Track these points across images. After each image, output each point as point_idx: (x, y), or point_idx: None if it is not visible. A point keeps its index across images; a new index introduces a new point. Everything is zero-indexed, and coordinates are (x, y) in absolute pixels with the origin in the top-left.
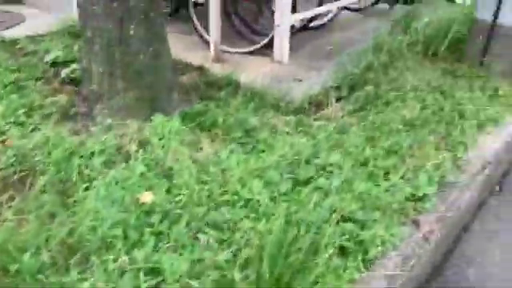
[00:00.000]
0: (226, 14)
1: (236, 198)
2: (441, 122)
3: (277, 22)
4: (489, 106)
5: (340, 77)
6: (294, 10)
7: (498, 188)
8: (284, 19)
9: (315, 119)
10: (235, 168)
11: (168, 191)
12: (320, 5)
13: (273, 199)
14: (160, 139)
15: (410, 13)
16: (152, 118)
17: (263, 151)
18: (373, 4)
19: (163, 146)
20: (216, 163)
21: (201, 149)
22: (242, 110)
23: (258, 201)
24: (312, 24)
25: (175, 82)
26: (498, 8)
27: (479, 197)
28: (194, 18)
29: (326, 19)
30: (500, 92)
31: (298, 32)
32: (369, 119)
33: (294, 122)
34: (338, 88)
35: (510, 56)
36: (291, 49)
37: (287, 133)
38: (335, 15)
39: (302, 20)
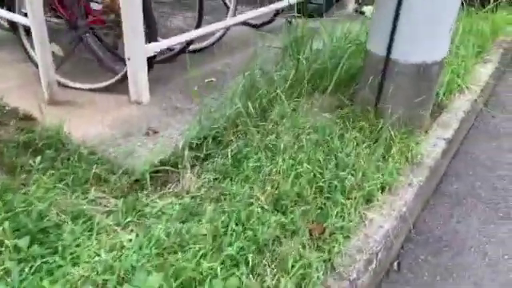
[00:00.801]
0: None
1: None
2: (317, 198)
3: (127, 53)
4: (381, 166)
5: (203, 128)
6: (152, 35)
7: (396, 267)
8: (136, 50)
9: (160, 197)
10: None
11: None
12: (199, 25)
13: None
14: None
15: (303, 35)
16: None
17: (60, 266)
18: (270, 21)
19: None
20: None
21: None
22: (51, 191)
23: None
24: (194, 46)
25: None
26: (392, 40)
27: None
28: (25, 42)
29: (212, 39)
30: (393, 149)
31: (174, 57)
32: (226, 196)
33: (123, 207)
34: (198, 146)
35: (406, 100)
36: (159, 82)
37: (107, 229)
38: (225, 33)
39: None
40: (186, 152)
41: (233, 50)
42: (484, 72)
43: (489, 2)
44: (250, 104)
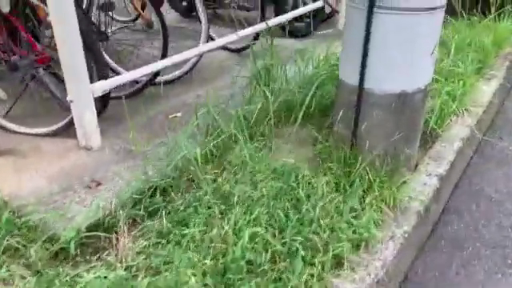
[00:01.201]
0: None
1: None
2: (274, 266)
3: (70, 96)
4: (356, 217)
5: (150, 179)
6: (101, 72)
7: None
8: (80, 91)
9: (88, 269)
10: None
11: None
12: (164, 55)
13: None
14: None
15: (272, 63)
16: None
17: None
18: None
19: None
20: None
21: None
22: None
23: None
24: (167, 77)
25: None
26: (364, 67)
27: None
28: None
29: (186, 67)
30: (372, 195)
31: (140, 91)
32: (167, 265)
33: (36, 286)
34: (141, 201)
35: (386, 135)
36: (117, 121)
37: None
38: (198, 60)
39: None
40: (122, 212)
41: (207, 80)
42: (487, 90)
43: (490, 11)
44: (204, 147)
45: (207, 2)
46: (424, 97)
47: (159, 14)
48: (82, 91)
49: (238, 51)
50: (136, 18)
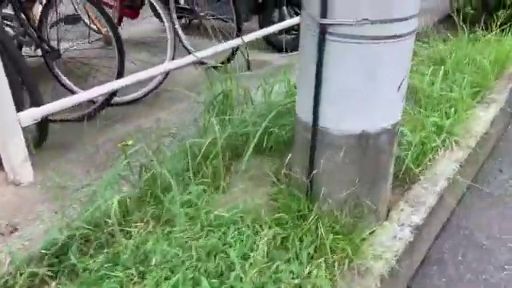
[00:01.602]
0: None
1: None
2: None
3: None
4: (301, 284)
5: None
6: (34, 100)
7: None
8: (5, 121)
9: None
10: None
11: None
12: (120, 74)
13: None
14: None
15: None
16: None
17: None
18: (229, 59)
19: None
20: None
21: None
22: None
23: None
24: (127, 97)
25: None
26: (317, 102)
27: None
28: None
29: (151, 85)
30: (324, 256)
31: (95, 113)
32: None
33: None
34: (45, 259)
35: (347, 181)
36: (61, 149)
37: None
38: (164, 79)
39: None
40: (23, 271)
41: (172, 100)
42: (484, 117)
43: (494, 25)
44: (131, 193)
45: (181, 13)
46: (392, 137)
47: (112, 27)
48: (5, 121)
49: (216, 67)
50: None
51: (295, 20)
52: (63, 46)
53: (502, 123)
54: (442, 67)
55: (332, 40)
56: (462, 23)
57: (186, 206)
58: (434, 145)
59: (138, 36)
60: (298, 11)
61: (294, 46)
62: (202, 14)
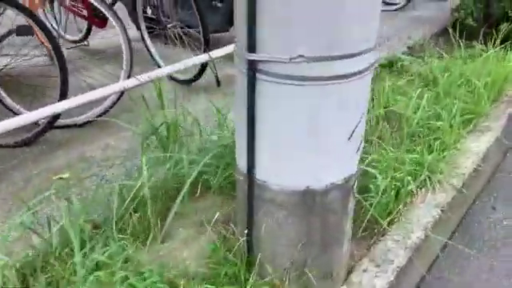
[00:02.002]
0: None
1: None
2: None
3: None
4: None
5: None
6: None
7: None
8: None
9: None
10: None
11: None
12: (64, 92)
13: None
14: None
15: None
16: None
17: None
18: (200, 74)
19: None
20: None
21: None
22: None
23: None
24: (72, 120)
25: None
26: (251, 151)
27: None
28: None
29: (106, 104)
30: None
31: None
32: None
33: None
34: None
35: (289, 245)
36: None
37: None
38: (119, 98)
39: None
40: None
41: (127, 122)
42: (476, 149)
43: (493, 39)
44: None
45: (149, 23)
46: (345, 194)
47: (52, 41)
48: None
49: (186, 82)
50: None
51: None
52: (1, 62)
53: (498, 154)
54: (433, 89)
55: (264, 80)
56: (461, 36)
57: (94, 270)
58: (410, 188)
59: (105, 46)
60: None
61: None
62: (169, 25)
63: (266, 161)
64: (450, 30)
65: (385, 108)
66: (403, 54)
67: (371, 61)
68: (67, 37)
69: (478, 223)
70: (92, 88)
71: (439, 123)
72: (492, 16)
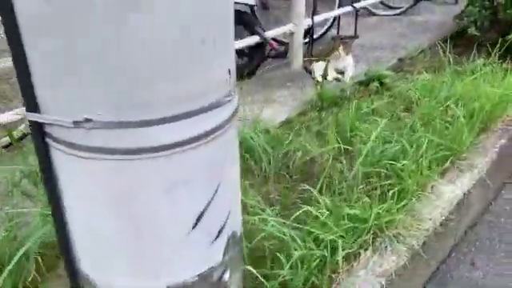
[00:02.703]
0: None
1: None
2: None
3: None
4: None
5: None
6: None
7: None
8: None
9: None
10: None
11: None
12: None
13: None
14: None
15: None
16: None
17: None
18: None
19: None
20: None
21: None
22: None
23: None
24: None
25: None
26: (66, 241)
27: None
28: None
29: None
30: None
31: None
32: None
33: None
34: None
35: None
36: None
37: None
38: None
39: None
40: None
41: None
42: (449, 194)
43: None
44: None
45: None
46: None
47: None
48: None
49: None
50: None
51: (247, 41)
52: None
53: (481, 201)
54: (413, 115)
55: (57, 148)
56: (466, 46)
57: None
58: (345, 253)
59: None
60: (253, 31)
61: (250, 71)
62: None
63: (80, 252)
64: (448, 40)
65: (342, 140)
66: (389, 68)
67: (218, 122)
68: None
69: (452, 284)
70: None
71: (403, 162)
72: (500, 23)
